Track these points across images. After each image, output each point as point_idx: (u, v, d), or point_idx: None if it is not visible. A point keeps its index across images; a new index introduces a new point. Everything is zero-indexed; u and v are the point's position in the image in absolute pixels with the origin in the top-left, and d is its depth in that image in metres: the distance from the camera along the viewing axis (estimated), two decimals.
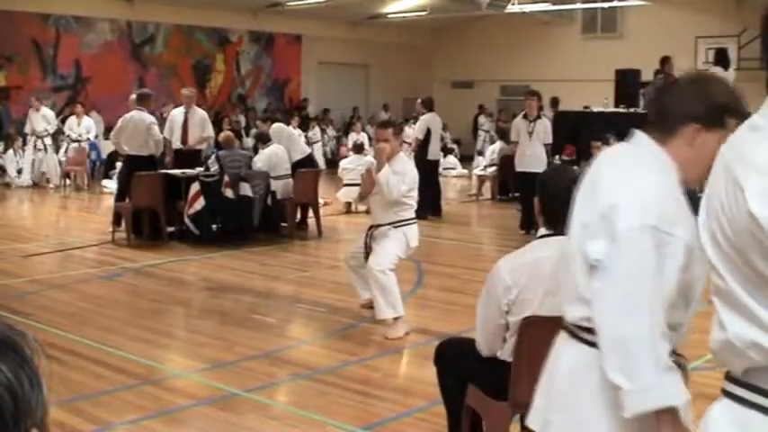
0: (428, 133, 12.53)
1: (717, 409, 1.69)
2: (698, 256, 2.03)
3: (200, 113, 11.19)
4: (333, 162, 18.86)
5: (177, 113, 11.16)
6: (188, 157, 10.84)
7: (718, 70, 12.07)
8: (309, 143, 16.07)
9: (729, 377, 1.68)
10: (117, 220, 10.34)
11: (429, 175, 12.87)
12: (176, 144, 11.09)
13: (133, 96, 11.26)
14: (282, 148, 10.83)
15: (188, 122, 10.97)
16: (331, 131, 21.68)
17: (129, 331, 6.27)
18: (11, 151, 16.34)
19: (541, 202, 3.44)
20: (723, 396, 1.69)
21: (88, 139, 16.33)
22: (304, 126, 18.04)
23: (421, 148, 12.56)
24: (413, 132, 12.88)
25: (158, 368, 5.47)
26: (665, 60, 12.69)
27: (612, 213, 2.13)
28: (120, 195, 10.35)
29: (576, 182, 3.46)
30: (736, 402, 1.64)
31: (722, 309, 1.65)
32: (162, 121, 11.81)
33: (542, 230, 3.47)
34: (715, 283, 1.68)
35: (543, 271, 3.33)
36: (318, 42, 22.67)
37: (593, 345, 2.21)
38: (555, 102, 16.27)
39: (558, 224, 3.43)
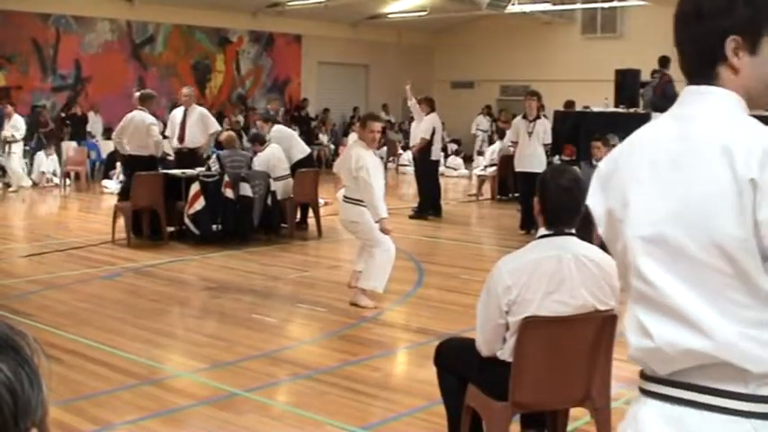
0: (432, 133, 12.53)
1: (644, 409, 1.60)
2: None
3: (198, 111, 11.05)
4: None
5: (177, 112, 11.16)
6: (188, 155, 10.84)
7: None
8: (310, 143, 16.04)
9: (654, 378, 1.58)
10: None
11: (430, 175, 12.90)
12: (174, 143, 11.10)
13: (137, 95, 11.26)
14: (280, 148, 10.79)
15: (186, 121, 10.97)
16: (324, 136, 21.29)
17: (129, 331, 6.27)
18: None
19: (541, 202, 3.44)
20: (645, 396, 1.60)
21: (13, 136, 15.40)
22: (294, 124, 17.99)
23: (425, 149, 12.55)
24: (417, 132, 12.78)
25: (158, 368, 5.47)
26: (663, 60, 12.68)
27: None
28: (125, 195, 10.31)
29: (576, 182, 3.48)
30: (666, 402, 1.56)
31: (646, 315, 1.55)
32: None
33: (542, 230, 3.47)
34: (638, 288, 1.56)
35: (543, 271, 3.33)
36: (318, 42, 22.66)
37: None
38: (569, 105, 16.03)
39: (558, 224, 3.44)
